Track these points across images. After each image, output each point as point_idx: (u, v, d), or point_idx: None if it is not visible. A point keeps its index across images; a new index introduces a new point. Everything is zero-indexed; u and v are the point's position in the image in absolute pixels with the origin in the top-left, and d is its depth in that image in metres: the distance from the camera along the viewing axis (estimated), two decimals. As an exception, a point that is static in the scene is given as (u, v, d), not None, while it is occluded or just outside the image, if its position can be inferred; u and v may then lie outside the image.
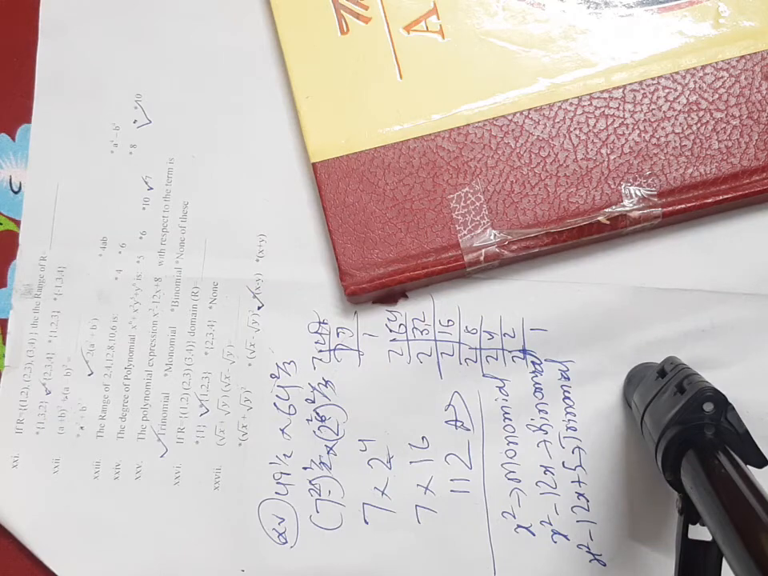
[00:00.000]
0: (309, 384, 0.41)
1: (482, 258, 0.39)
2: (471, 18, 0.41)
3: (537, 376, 0.41)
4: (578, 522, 0.40)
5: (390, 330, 0.41)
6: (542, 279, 0.41)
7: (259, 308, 0.42)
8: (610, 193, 0.39)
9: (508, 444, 0.40)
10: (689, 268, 0.40)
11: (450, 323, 0.41)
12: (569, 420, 0.40)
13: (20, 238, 0.43)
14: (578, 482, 0.40)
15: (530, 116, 0.40)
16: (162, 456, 0.41)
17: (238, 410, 0.41)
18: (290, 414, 0.41)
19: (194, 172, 0.43)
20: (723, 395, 0.31)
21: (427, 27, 0.41)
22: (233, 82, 0.43)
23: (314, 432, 0.41)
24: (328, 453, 0.41)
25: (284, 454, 0.41)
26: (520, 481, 0.40)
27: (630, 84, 0.40)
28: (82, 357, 0.42)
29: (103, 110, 0.43)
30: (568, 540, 0.40)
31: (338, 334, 0.41)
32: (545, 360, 0.41)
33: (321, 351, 0.41)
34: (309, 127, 0.41)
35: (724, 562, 0.29)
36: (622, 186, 0.39)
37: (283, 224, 0.42)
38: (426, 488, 0.40)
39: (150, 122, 0.43)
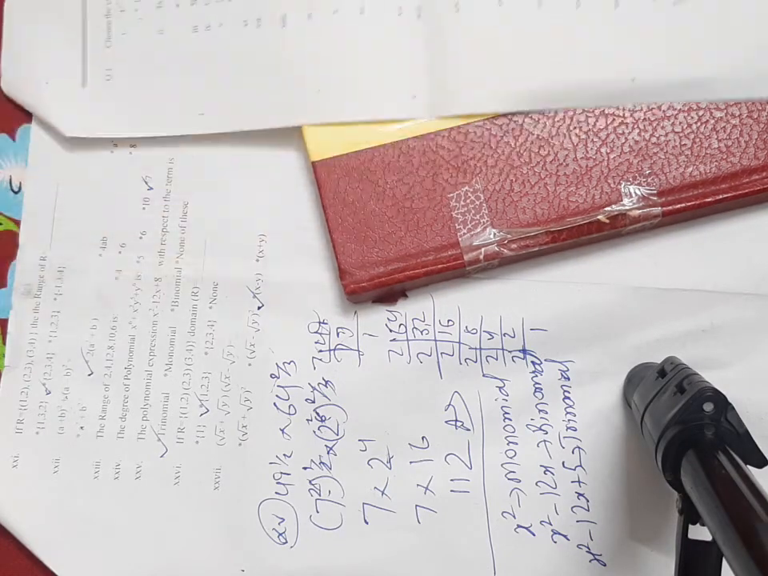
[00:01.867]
0: (309, 384, 0.41)
1: (481, 257, 0.39)
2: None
3: (537, 376, 0.40)
4: (578, 521, 0.40)
5: (390, 330, 0.41)
6: (542, 279, 0.41)
7: (259, 308, 0.42)
8: (609, 192, 0.39)
9: (508, 444, 0.40)
10: (689, 268, 0.40)
11: (450, 323, 0.41)
12: (569, 420, 0.40)
13: (20, 238, 0.43)
14: (578, 482, 0.40)
15: (529, 115, 0.40)
16: (162, 456, 0.41)
17: (237, 410, 0.41)
18: (289, 414, 0.41)
19: (194, 172, 0.43)
20: (723, 395, 0.31)
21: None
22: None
23: (314, 432, 0.41)
24: (328, 453, 0.41)
25: (284, 454, 0.41)
26: (520, 481, 0.40)
27: (630, 83, 0.40)
28: (82, 357, 0.42)
29: (103, 110, 0.43)
30: (568, 540, 0.40)
31: (338, 333, 0.41)
32: (545, 360, 0.41)
33: (321, 351, 0.41)
34: (309, 126, 0.41)
35: (724, 562, 0.29)
36: (622, 185, 0.39)
37: (283, 224, 0.42)
38: (426, 488, 0.40)
39: (150, 121, 0.43)
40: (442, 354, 0.41)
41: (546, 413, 0.40)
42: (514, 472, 0.40)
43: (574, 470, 0.40)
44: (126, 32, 0.42)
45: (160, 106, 0.42)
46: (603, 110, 0.40)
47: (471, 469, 0.40)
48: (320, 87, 0.41)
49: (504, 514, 0.40)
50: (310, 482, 0.41)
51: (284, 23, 0.41)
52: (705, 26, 0.39)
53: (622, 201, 0.39)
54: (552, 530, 0.40)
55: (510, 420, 0.40)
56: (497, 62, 0.40)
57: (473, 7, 0.40)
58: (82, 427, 0.41)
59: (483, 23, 0.40)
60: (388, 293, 0.41)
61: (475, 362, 0.41)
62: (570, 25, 0.40)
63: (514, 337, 0.41)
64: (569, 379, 0.40)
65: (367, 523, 0.40)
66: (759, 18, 0.39)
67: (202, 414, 0.41)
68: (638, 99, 0.39)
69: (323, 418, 0.41)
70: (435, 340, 0.41)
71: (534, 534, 0.40)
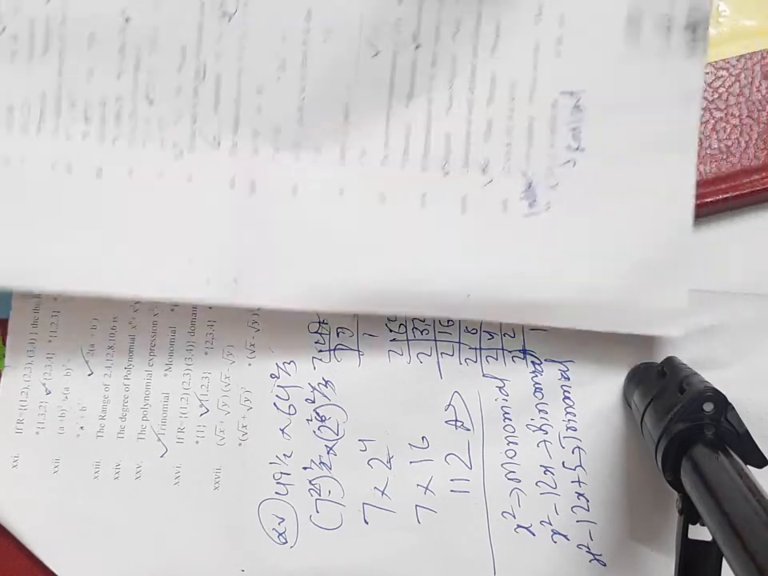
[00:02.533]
0: (309, 384, 0.41)
1: (481, 258, 0.39)
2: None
3: (537, 376, 0.40)
4: (578, 521, 0.40)
5: (390, 330, 0.41)
6: (542, 279, 0.41)
7: (259, 308, 0.42)
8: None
9: (508, 444, 0.40)
10: (688, 268, 0.40)
11: (450, 323, 0.41)
12: (569, 420, 0.40)
13: (20, 238, 0.43)
14: (578, 482, 0.40)
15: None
16: (162, 456, 0.41)
17: (237, 410, 0.41)
18: (290, 414, 0.41)
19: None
20: (723, 395, 0.31)
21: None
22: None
23: (314, 432, 0.41)
24: (328, 453, 0.41)
25: (284, 454, 0.41)
26: (520, 481, 0.40)
27: (629, 84, 0.40)
28: (82, 357, 0.42)
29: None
30: (568, 540, 0.40)
31: (338, 334, 0.41)
32: (545, 360, 0.41)
33: (321, 351, 0.41)
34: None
35: (724, 562, 0.29)
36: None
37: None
38: (426, 488, 0.40)
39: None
40: (442, 354, 0.41)
41: (546, 413, 0.40)
42: (514, 472, 0.40)
43: (574, 470, 0.40)
44: None
45: None
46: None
47: (471, 469, 0.40)
48: (122, 254, 0.37)
49: (504, 514, 0.40)
50: (310, 481, 0.41)
51: (100, 175, 0.37)
52: (547, 249, 0.37)
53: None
54: (552, 530, 0.40)
55: (510, 420, 0.40)
56: (324, 258, 0.37)
57: (309, 193, 0.37)
58: (82, 427, 0.41)
59: (317, 213, 0.37)
60: (388, 293, 0.41)
61: (475, 361, 0.41)
62: (409, 227, 0.37)
63: (513, 337, 0.41)
64: (569, 379, 0.40)
65: (367, 523, 0.40)
66: (599, 252, 0.37)
67: (202, 414, 0.41)
68: (471, 315, 0.38)
69: (323, 418, 0.41)
70: (435, 340, 0.41)
71: (534, 534, 0.40)
